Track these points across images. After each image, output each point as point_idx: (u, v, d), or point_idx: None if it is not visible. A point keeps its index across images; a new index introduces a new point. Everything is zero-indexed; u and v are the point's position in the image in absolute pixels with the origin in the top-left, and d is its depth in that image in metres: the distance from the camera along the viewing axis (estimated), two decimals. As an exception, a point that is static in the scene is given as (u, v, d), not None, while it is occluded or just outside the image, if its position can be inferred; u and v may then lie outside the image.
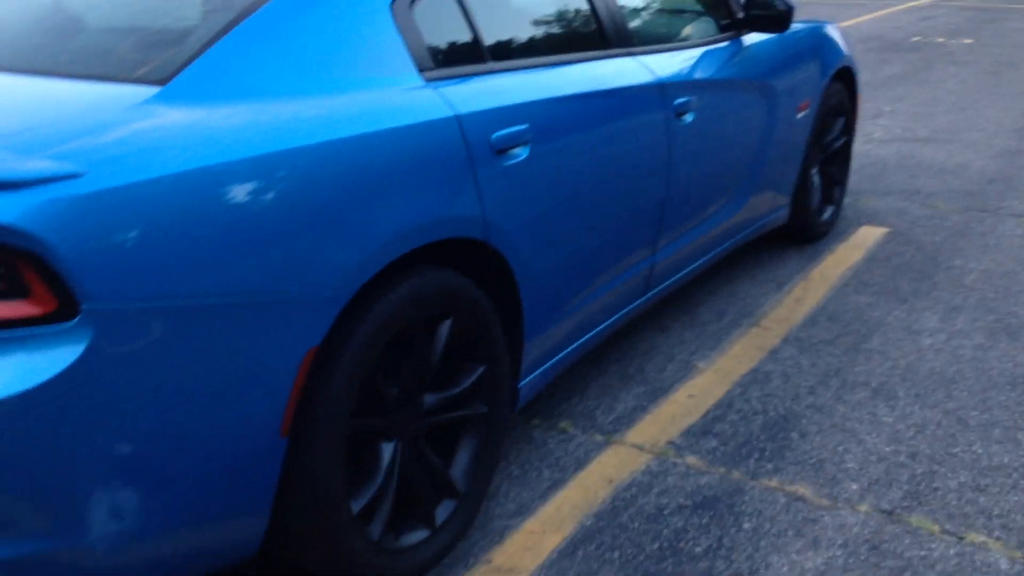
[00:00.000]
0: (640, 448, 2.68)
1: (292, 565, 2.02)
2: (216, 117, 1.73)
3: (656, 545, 2.27)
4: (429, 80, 2.14)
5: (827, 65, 4.02)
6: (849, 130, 4.43)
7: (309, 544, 1.94)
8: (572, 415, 2.86)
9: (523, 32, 2.57)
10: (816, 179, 4.20)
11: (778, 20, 3.46)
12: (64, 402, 1.49)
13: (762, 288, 3.78)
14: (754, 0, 3.49)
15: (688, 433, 2.75)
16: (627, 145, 2.69)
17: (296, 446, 1.84)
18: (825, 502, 2.41)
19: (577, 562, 2.22)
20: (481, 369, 2.28)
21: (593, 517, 2.38)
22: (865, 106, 7.03)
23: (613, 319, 2.91)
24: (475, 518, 2.33)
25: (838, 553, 2.22)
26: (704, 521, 2.35)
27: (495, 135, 2.21)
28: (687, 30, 3.34)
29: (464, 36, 2.32)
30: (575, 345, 2.74)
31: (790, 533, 2.30)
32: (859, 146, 5.90)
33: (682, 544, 2.27)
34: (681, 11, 3.44)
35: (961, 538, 2.27)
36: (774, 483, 2.50)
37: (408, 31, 2.15)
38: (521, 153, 2.28)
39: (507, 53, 2.45)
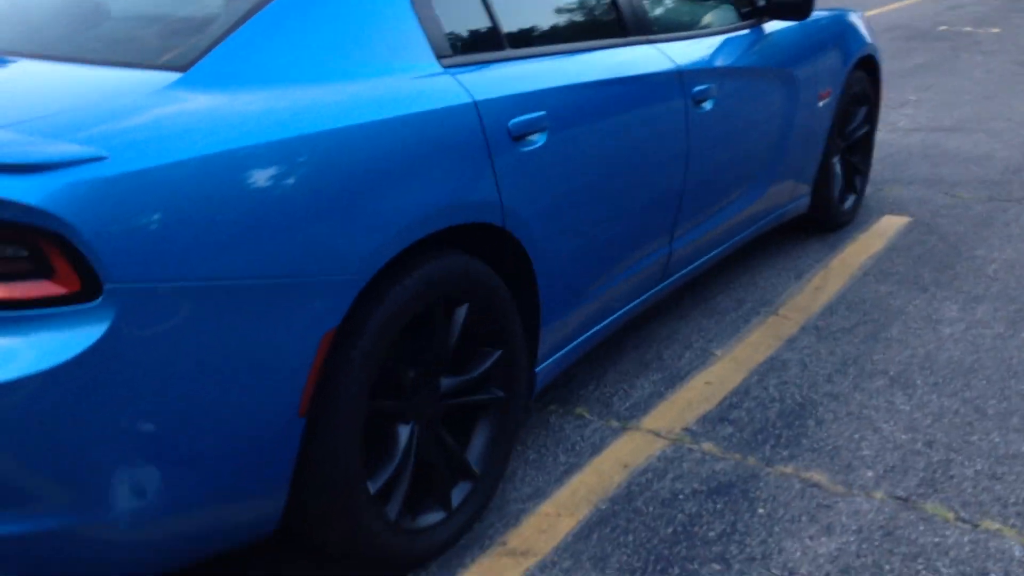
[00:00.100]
0: (656, 434, 2.69)
1: (310, 544, 2.05)
2: (237, 102, 1.76)
3: (670, 529, 2.29)
4: (447, 67, 2.16)
5: (849, 53, 4.00)
6: (872, 119, 4.41)
7: (327, 523, 1.97)
8: (589, 401, 2.88)
9: (541, 19, 2.58)
10: (838, 168, 4.18)
11: (799, 7, 3.45)
12: (86, 380, 1.52)
13: (781, 277, 3.78)
14: (775, -13, 3.47)
15: (704, 420, 2.76)
16: (645, 132, 2.70)
17: (314, 426, 1.88)
18: (840, 489, 2.42)
19: (591, 545, 2.24)
20: (498, 354, 2.30)
21: (608, 501, 2.40)
22: (890, 95, 6.98)
23: (630, 306, 2.92)
24: (491, 501, 2.36)
25: (852, 539, 2.23)
26: (718, 506, 2.37)
27: (512, 121, 2.23)
28: (707, 18, 3.33)
29: (482, 23, 2.34)
30: (592, 331, 2.75)
31: (804, 519, 2.31)
32: (883, 135, 5.87)
33: (696, 529, 2.29)
34: (702, -1, 3.44)
35: (976, 525, 2.27)
36: (789, 469, 2.51)
37: (426, 18, 2.17)
38: (538, 140, 2.30)
39: (525, 40, 2.47)
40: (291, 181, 1.76)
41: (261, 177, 1.72)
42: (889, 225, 4.33)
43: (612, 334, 3.15)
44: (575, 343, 2.68)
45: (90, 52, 1.95)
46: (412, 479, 2.15)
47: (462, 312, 2.18)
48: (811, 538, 2.24)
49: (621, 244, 2.72)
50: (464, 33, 2.28)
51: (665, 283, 3.09)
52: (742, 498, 2.40)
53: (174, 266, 1.60)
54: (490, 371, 2.29)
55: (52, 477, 1.57)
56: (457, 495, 2.25)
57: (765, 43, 3.42)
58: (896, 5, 12.42)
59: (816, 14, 3.82)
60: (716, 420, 2.76)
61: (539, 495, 2.43)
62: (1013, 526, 2.27)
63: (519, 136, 2.25)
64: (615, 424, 2.75)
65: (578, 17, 2.75)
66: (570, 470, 2.54)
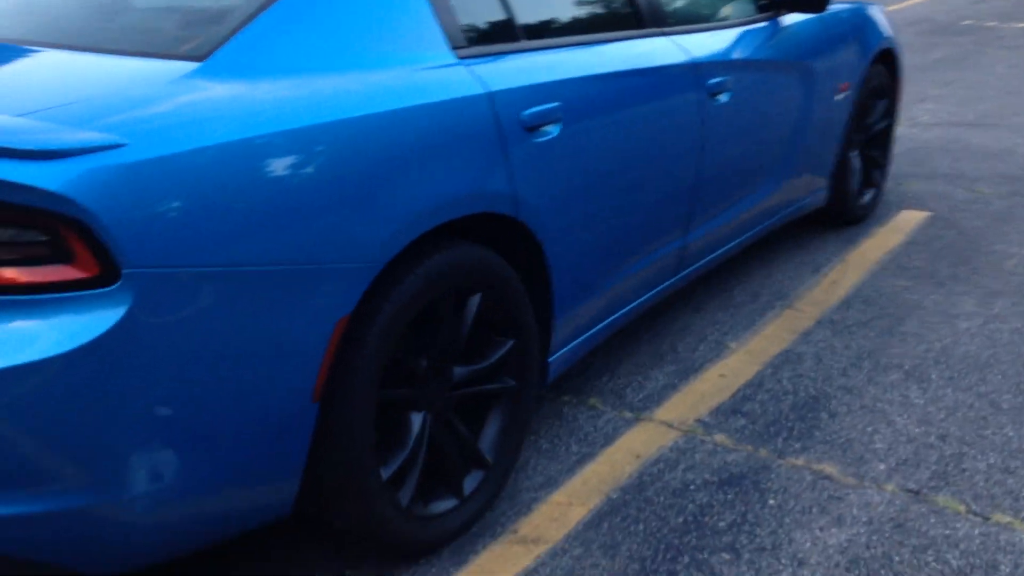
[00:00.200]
0: (669, 425, 2.71)
1: (324, 528, 2.08)
2: (254, 91, 1.79)
3: (680, 519, 2.30)
4: (462, 57, 2.18)
5: (868, 47, 3.98)
6: (891, 113, 4.39)
7: (340, 507, 2.00)
8: (602, 392, 2.90)
9: (556, 11, 2.60)
10: (856, 162, 4.17)
11: (816, 0, 3.44)
12: (104, 363, 1.55)
13: (798, 271, 3.78)
14: (792, -20, 3.47)
15: (717, 411, 2.77)
16: (659, 124, 2.71)
17: (327, 411, 1.90)
18: (851, 481, 2.43)
19: (602, 533, 2.26)
20: (510, 343, 2.32)
21: (619, 491, 2.41)
22: (912, 90, 6.94)
23: (644, 298, 2.93)
24: (503, 489, 2.38)
25: (862, 530, 2.24)
26: (729, 497, 2.38)
27: (526, 112, 2.24)
28: (724, 10, 3.33)
29: (497, 14, 2.35)
30: (605, 323, 2.77)
31: (815, 510, 2.31)
32: (904, 130, 5.84)
33: (706, 519, 2.30)
34: (719, -9, 3.44)
35: (987, 518, 2.27)
36: (801, 461, 2.51)
37: (441, 9, 2.19)
38: (552, 131, 2.31)
39: (540, 32, 2.48)
40: (306, 169, 1.78)
41: (277, 165, 1.74)
42: (908, 220, 4.31)
43: (626, 325, 3.16)
44: (588, 334, 2.70)
45: (110, 42, 1.98)
46: (425, 467, 2.17)
47: (475, 301, 2.20)
48: (821, 529, 2.25)
49: (635, 236, 2.73)
50: (479, 24, 2.30)
51: (680, 275, 3.10)
52: (753, 489, 2.40)
53: (191, 252, 1.62)
54: (502, 360, 2.31)
55: (71, 458, 1.60)
56: (469, 483, 2.27)
57: (782, 36, 3.41)
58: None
59: (834, 7, 3.81)
60: (729, 412, 2.77)
61: (551, 484, 2.45)
62: (1025, 519, 2.27)
63: (532, 127, 2.26)
64: (628, 415, 2.77)
65: (593, 9, 2.76)
66: (582, 460, 2.55)
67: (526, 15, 2.43)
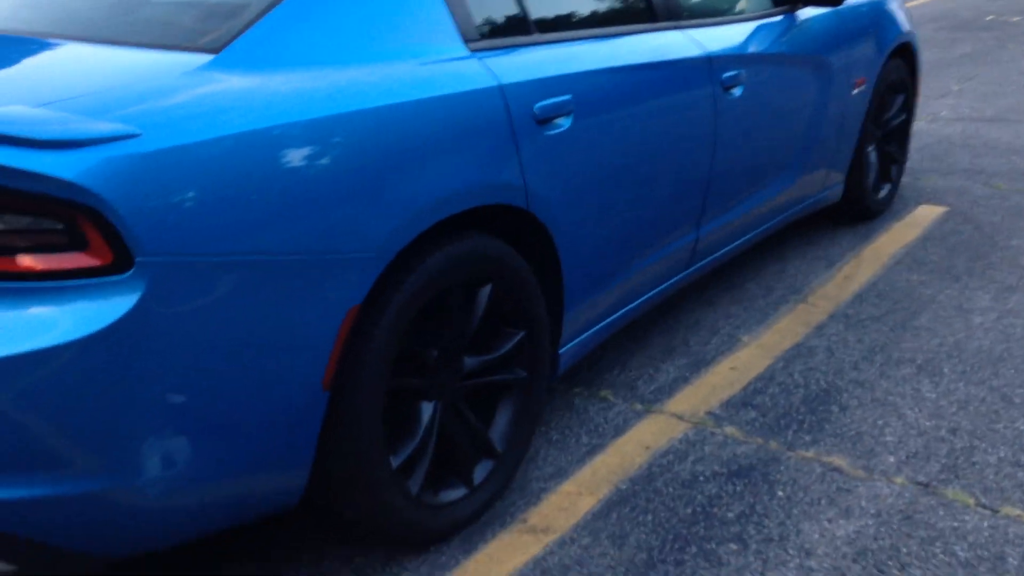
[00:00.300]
0: (679, 417, 2.72)
1: (334, 516, 2.11)
2: (267, 83, 1.81)
3: (689, 510, 2.32)
4: (474, 51, 2.20)
5: (885, 41, 3.97)
6: (908, 107, 4.37)
7: (349, 495, 2.03)
8: (614, 384, 2.91)
9: (569, 5, 2.61)
10: (872, 157, 4.16)
11: (833, -6, 3.44)
12: (118, 349, 1.59)
13: (812, 265, 3.78)
14: (808, -26, 3.46)
15: (728, 404, 2.78)
16: (672, 117, 2.71)
17: (337, 400, 1.93)
18: (861, 473, 2.43)
19: (610, 523, 2.28)
20: (521, 335, 2.33)
21: (628, 481, 2.43)
22: (933, 85, 6.90)
23: (656, 291, 2.94)
24: (513, 479, 2.40)
25: (870, 522, 2.24)
26: (738, 488, 2.39)
27: (538, 105, 2.26)
28: (740, 4, 3.33)
29: (510, 8, 2.37)
30: (617, 315, 2.78)
31: (823, 502, 2.32)
32: (924, 125, 5.81)
33: (715, 509, 2.31)
34: (734, -15, 3.44)
35: (996, 511, 2.27)
36: (810, 454, 2.52)
37: (454, 2, 2.20)
38: (564, 123, 2.33)
39: (553, 25, 2.49)
40: (318, 160, 1.81)
41: (291, 155, 1.77)
42: (925, 215, 4.29)
43: (638, 319, 3.17)
44: (599, 326, 2.71)
45: (126, 35, 2.01)
46: (435, 456, 2.19)
47: (485, 292, 2.22)
48: (829, 521, 2.25)
49: (646, 229, 2.74)
50: (491, 18, 2.31)
51: (692, 269, 3.11)
52: (762, 481, 2.41)
53: (204, 241, 1.65)
54: (513, 352, 2.33)
55: (85, 442, 1.63)
56: (479, 473, 2.29)
57: (798, 30, 3.41)
58: (943, -6, 12.22)
59: (852, 1, 3.80)
60: (740, 405, 2.77)
61: (561, 475, 2.47)
62: (1034, 513, 2.27)
63: (544, 120, 2.28)
64: (639, 407, 2.78)
65: (607, 2, 2.77)
66: (592, 451, 2.57)
67: (538, 8, 2.45)
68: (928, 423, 2.65)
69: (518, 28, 2.37)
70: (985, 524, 2.22)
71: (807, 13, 3.50)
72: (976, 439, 2.56)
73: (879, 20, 3.95)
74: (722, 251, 3.25)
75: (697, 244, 3.05)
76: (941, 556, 2.12)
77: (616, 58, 2.55)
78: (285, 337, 1.79)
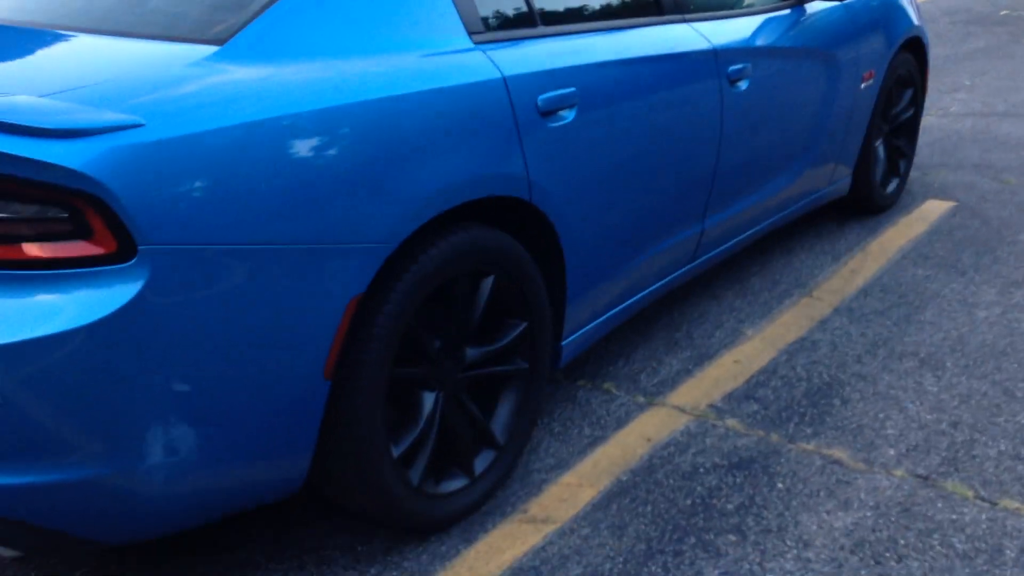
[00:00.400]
0: (681, 410, 2.73)
1: (334, 504, 2.13)
2: (271, 73, 1.83)
3: (689, 501, 2.33)
4: (478, 43, 2.21)
5: (894, 35, 3.96)
6: (917, 102, 4.36)
7: (350, 484, 2.05)
8: (616, 377, 2.92)
9: (574, -2, 2.62)
10: (880, 151, 4.15)
11: (840, -13, 3.43)
12: (121, 336, 1.61)
13: (818, 259, 3.78)
14: (816, -33, 3.46)
15: (730, 397, 2.79)
16: (677, 110, 2.72)
17: (338, 389, 1.95)
18: (861, 466, 2.44)
19: (611, 514, 2.29)
20: (523, 326, 2.35)
21: (629, 473, 2.44)
22: (945, 80, 6.87)
23: (659, 284, 2.95)
24: (514, 470, 2.42)
25: (868, 514, 2.25)
26: (738, 480, 2.40)
27: (542, 97, 2.27)
28: (747, -2, 3.33)
29: (515, 0, 2.38)
30: (620, 308, 2.79)
31: (822, 494, 2.33)
32: (934, 119, 5.79)
33: (714, 501, 2.33)
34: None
35: (994, 504, 2.28)
36: (811, 446, 2.53)
37: (458, -5, 2.22)
38: (567, 116, 2.34)
39: (558, 18, 2.50)
40: (322, 150, 1.83)
41: (295, 145, 1.79)
42: (932, 209, 4.29)
43: (642, 311, 3.18)
44: (602, 318, 2.73)
45: (132, 26, 2.03)
46: (436, 446, 2.21)
47: (488, 283, 2.24)
48: (828, 512, 2.26)
49: (650, 221, 2.75)
50: (496, 10, 2.33)
51: (697, 262, 3.12)
52: (762, 473, 2.43)
53: (207, 230, 1.67)
54: (515, 343, 2.35)
55: (88, 429, 1.65)
56: (480, 463, 2.31)
57: (806, 23, 3.41)
58: (957, -12, 12.13)
59: (860, -5, 3.79)
60: (742, 398, 2.78)
61: (562, 466, 2.49)
62: (1034, 507, 2.27)
63: (548, 112, 2.29)
64: (641, 399, 2.79)
65: (611, -4, 2.78)
66: (594, 443, 2.58)
67: (544, 2, 2.46)
68: (929, 416, 2.65)
69: (523, 20, 2.38)
70: (984, 517, 2.23)
71: (816, 6, 3.50)
72: (977, 432, 2.57)
73: (888, 13, 3.94)
74: (728, 244, 3.26)
75: (702, 237, 3.05)
76: (939, 548, 2.13)
77: (621, 51, 2.56)
78: (287, 326, 1.81)
